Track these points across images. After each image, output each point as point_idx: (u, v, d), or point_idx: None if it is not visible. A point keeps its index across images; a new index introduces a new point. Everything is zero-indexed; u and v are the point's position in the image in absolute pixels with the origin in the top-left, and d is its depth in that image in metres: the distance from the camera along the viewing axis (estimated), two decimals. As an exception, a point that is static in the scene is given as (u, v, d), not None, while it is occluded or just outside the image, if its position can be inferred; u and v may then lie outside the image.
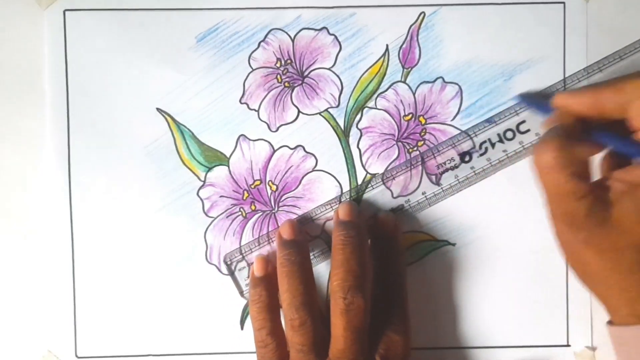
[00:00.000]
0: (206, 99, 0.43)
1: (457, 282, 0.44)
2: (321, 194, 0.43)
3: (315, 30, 0.43)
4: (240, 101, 0.43)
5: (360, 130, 0.43)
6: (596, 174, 0.39)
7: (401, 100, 0.43)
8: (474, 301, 0.44)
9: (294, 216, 0.43)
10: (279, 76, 0.43)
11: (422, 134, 0.43)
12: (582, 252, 0.37)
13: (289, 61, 0.43)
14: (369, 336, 0.39)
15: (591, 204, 0.36)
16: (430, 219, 0.43)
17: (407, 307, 0.41)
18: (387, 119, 0.43)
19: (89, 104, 0.43)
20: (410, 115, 0.43)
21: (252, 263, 0.43)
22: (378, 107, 0.43)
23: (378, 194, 0.43)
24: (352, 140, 0.43)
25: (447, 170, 0.43)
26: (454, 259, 0.43)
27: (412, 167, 0.43)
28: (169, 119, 0.43)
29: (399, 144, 0.43)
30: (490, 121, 0.43)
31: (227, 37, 0.43)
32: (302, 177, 0.43)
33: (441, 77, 0.43)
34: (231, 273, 0.43)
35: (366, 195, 0.43)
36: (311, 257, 0.42)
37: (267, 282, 0.41)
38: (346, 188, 0.43)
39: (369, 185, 0.43)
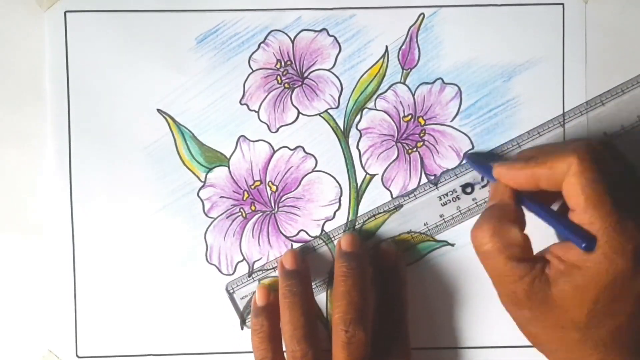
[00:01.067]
0: (206, 100, 0.43)
1: (456, 282, 0.44)
2: (321, 194, 0.43)
3: (315, 31, 0.43)
4: (240, 102, 0.43)
5: (359, 131, 0.43)
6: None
7: (400, 101, 0.43)
8: (473, 301, 0.44)
9: (294, 216, 0.43)
10: (279, 77, 0.43)
11: (422, 134, 0.43)
12: (529, 328, 0.38)
13: (288, 62, 0.43)
14: None
15: (530, 285, 0.36)
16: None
17: (409, 337, 0.42)
18: (386, 119, 0.43)
19: (89, 105, 0.43)
20: (410, 116, 0.43)
21: (254, 292, 0.43)
22: (377, 108, 0.43)
23: (377, 195, 0.43)
24: (352, 141, 0.43)
25: (449, 201, 0.43)
26: (453, 259, 0.44)
27: (416, 197, 0.43)
28: (169, 119, 0.43)
29: (399, 144, 0.43)
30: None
31: (227, 38, 0.43)
32: (302, 178, 0.43)
33: (440, 78, 0.43)
34: (233, 301, 0.43)
35: (365, 196, 0.43)
36: (313, 286, 0.43)
37: (269, 312, 0.42)
38: (346, 189, 0.43)
39: (376, 214, 0.43)
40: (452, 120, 0.43)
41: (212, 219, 0.44)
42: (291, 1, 0.43)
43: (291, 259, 0.42)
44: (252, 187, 0.43)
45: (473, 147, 0.43)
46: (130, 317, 0.44)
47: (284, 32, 0.43)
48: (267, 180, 0.43)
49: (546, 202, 0.39)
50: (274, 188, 0.43)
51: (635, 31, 0.43)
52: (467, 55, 0.43)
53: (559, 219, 0.36)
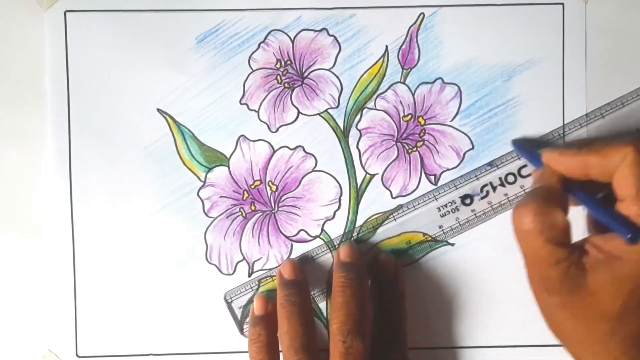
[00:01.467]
0: (206, 100, 0.43)
1: (455, 282, 0.44)
2: (321, 194, 0.43)
3: (315, 31, 0.43)
4: (240, 102, 0.43)
5: (359, 130, 0.43)
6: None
7: (400, 101, 0.43)
8: (473, 301, 0.44)
9: (294, 216, 0.43)
10: (278, 77, 0.43)
11: (422, 134, 0.43)
12: (556, 316, 0.37)
13: (288, 62, 0.43)
14: None
15: (566, 270, 0.36)
16: (430, 219, 0.43)
17: (406, 348, 0.42)
18: (386, 119, 0.43)
19: (89, 105, 0.43)
20: (410, 116, 0.43)
21: (252, 301, 0.43)
22: (377, 107, 0.43)
23: (377, 195, 0.43)
24: (352, 141, 0.43)
25: (448, 212, 0.43)
26: (453, 259, 0.44)
27: (415, 208, 0.43)
28: (169, 119, 0.43)
29: (399, 144, 0.43)
30: (492, 165, 0.43)
31: (227, 38, 0.43)
32: (302, 178, 0.43)
33: (440, 78, 0.43)
34: (231, 311, 0.43)
35: (365, 196, 0.43)
36: (312, 296, 0.43)
37: (266, 322, 0.42)
38: (346, 188, 0.43)
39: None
40: (452, 120, 0.43)
41: (212, 219, 0.44)
42: (291, 1, 0.43)
43: (290, 268, 0.42)
44: (252, 186, 0.43)
45: (473, 147, 0.43)
46: (130, 317, 0.44)
47: (284, 32, 0.43)
48: (267, 180, 0.43)
49: (590, 193, 0.39)
50: (274, 188, 0.43)
51: (635, 31, 0.43)
52: (467, 55, 0.43)
53: (607, 208, 0.36)
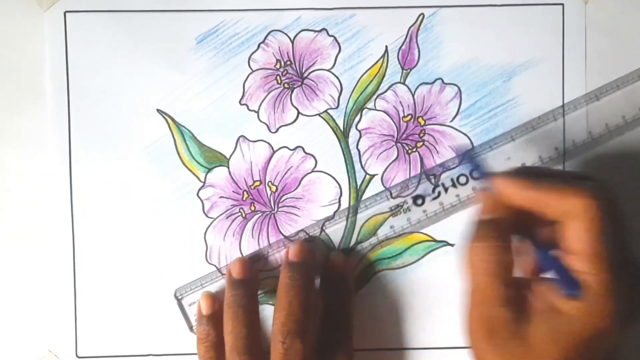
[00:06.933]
0: (206, 100, 0.43)
1: (456, 282, 0.44)
2: (321, 194, 0.43)
3: (315, 31, 0.43)
4: (240, 102, 0.43)
5: (359, 131, 0.43)
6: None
7: (400, 102, 0.43)
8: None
9: (294, 217, 0.43)
10: (278, 77, 0.43)
11: (421, 135, 0.43)
12: (488, 356, 0.35)
13: (288, 62, 0.43)
14: None
15: (512, 313, 0.34)
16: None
17: (352, 348, 0.42)
18: (386, 120, 0.43)
19: (89, 105, 0.43)
20: (410, 117, 0.43)
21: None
22: (377, 108, 0.43)
23: (377, 194, 0.43)
24: (352, 141, 0.43)
25: (399, 212, 0.43)
26: (453, 260, 0.44)
27: (367, 207, 0.43)
28: (169, 120, 0.43)
29: (398, 145, 0.43)
30: (443, 166, 0.43)
31: (227, 38, 0.43)
32: (302, 178, 0.44)
33: (440, 78, 0.43)
34: (181, 308, 0.43)
35: (365, 196, 0.43)
36: (260, 295, 0.43)
37: (214, 320, 0.42)
38: (345, 189, 0.43)
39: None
40: (452, 121, 0.43)
41: (212, 219, 0.44)
42: (291, 1, 0.43)
43: (239, 267, 0.41)
44: (252, 187, 0.43)
45: (473, 148, 0.43)
46: (130, 317, 0.44)
47: (283, 32, 0.43)
48: (267, 180, 0.43)
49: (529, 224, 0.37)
50: (273, 188, 0.43)
51: (636, 31, 0.43)
52: (467, 55, 0.43)
53: (554, 257, 0.35)
